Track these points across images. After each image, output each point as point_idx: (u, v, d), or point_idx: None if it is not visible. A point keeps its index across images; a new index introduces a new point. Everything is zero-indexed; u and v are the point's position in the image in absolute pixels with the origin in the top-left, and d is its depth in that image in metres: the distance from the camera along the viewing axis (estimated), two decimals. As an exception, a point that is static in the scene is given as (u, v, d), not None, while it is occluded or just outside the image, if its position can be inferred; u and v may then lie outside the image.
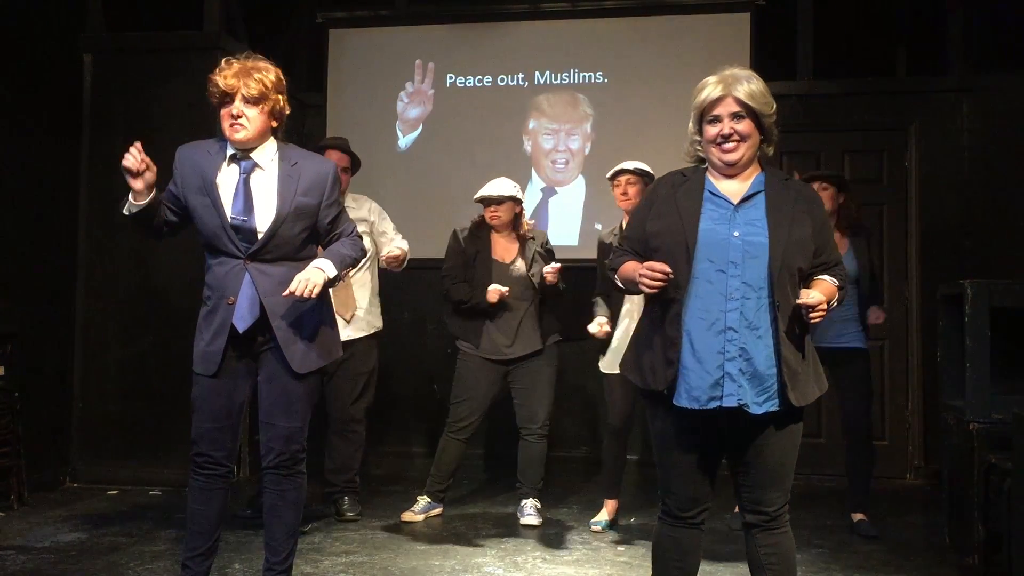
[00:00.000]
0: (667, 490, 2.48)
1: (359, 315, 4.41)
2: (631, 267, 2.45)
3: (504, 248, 4.40)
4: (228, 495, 2.95)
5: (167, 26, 5.43)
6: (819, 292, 2.31)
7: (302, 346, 2.82)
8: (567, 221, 6.00)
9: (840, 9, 5.98)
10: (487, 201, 4.35)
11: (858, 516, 4.29)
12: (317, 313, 2.87)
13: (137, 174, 2.70)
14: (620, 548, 3.98)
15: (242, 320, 2.78)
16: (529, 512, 4.35)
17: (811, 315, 2.26)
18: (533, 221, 4.58)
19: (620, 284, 2.54)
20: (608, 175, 4.29)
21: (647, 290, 2.32)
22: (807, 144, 5.76)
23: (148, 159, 2.72)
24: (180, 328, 5.11)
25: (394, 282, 4.82)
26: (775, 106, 2.42)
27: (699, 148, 2.47)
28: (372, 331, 4.48)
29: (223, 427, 2.86)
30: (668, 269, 2.28)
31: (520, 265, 4.37)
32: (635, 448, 4.40)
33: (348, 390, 4.38)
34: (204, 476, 2.88)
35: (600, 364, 4.28)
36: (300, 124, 6.41)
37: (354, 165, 4.56)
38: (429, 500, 4.45)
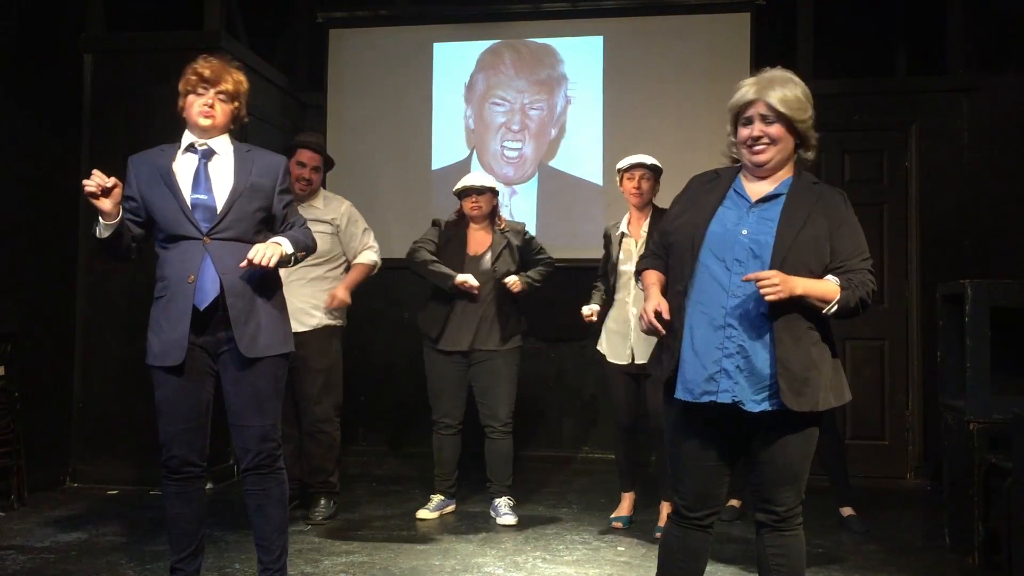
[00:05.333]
0: (677, 489, 2.49)
1: (306, 308, 4.28)
2: (648, 281, 2.52)
3: (477, 242, 4.44)
4: (204, 493, 2.97)
5: (167, 26, 5.44)
6: (792, 277, 2.25)
7: (251, 329, 2.83)
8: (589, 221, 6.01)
9: (840, 9, 5.98)
10: (468, 191, 4.41)
11: (847, 511, 4.34)
12: (271, 301, 2.91)
13: (102, 196, 2.73)
14: (620, 548, 3.98)
15: (204, 297, 2.80)
16: (505, 512, 4.38)
17: (762, 291, 2.21)
18: (507, 217, 4.60)
19: (642, 288, 2.58)
20: (622, 166, 4.26)
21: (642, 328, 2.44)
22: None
23: (112, 178, 2.75)
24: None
25: (394, 282, 4.83)
26: (811, 112, 2.40)
27: (734, 150, 2.49)
28: (322, 326, 4.33)
29: (193, 428, 2.87)
30: (664, 319, 2.36)
31: (487, 259, 4.40)
32: (641, 449, 4.41)
33: (309, 388, 4.31)
34: (179, 480, 2.88)
35: (599, 346, 4.32)
36: (300, 124, 6.42)
37: (326, 164, 4.56)
38: (442, 497, 4.50)
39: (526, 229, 4.60)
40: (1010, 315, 3.67)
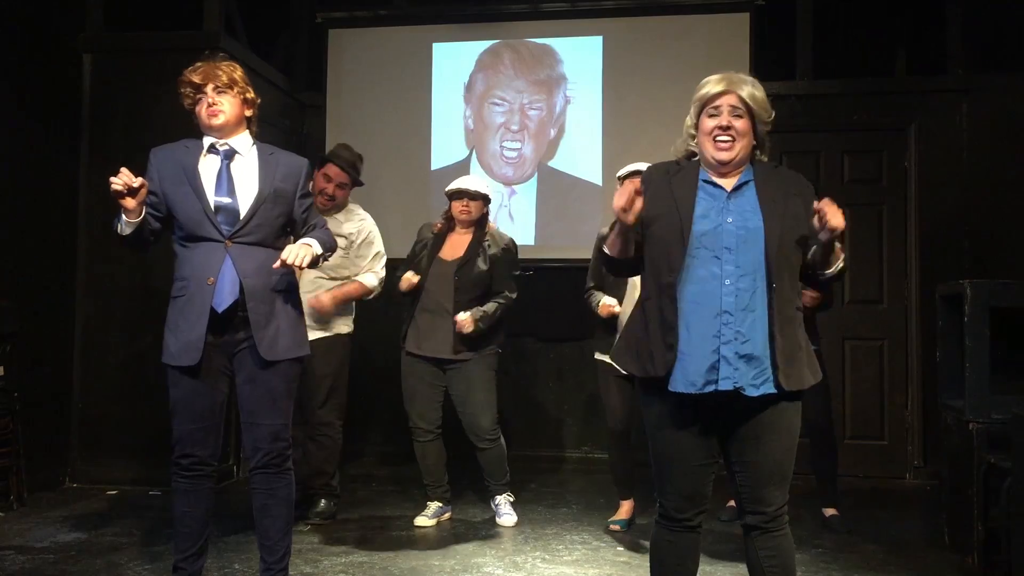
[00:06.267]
0: (663, 491, 2.47)
1: (314, 320, 4.22)
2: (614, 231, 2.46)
3: (454, 246, 4.32)
4: (214, 494, 2.96)
5: (167, 26, 5.44)
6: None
7: (271, 332, 2.85)
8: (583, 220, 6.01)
9: (840, 9, 5.98)
10: (461, 194, 4.30)
11: (830, 511, 4.33)
12: (290, 304, 2.94)
13: (128, 195, 2.72)
14: (620, 548, 3.98)
15: (222, 300, 2.80)
16: (505, 512, 4.33)
17: (834, 219, 2.25)
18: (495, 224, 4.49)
19: (608, 252, 2.51)
20: (622, 174, 4.20)
21: (621, 213, 2.32)
22: (807, 144, 5.77)
23: (140, 178, 2.75)
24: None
25: (394, 283, 4.80)
26: (773, 116, 2.47)
27: (692, 144, 2.51)
28: (331, 333, 4.31)
29: (207, 427, 2.88)
30: (637, 187, 2.31)
31: (455, 264, 4.26)
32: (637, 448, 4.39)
33: (314, 393, 4.29)
34: (190, 477, 2.89)
35: (596, 353, 4.24)
36: (300, 124, 6.42)
37: (353, 182, 4.47)
38: (439, 504, 4.40)
39: (512, 244, 4.41)
40: (1010, 315, 3.66)
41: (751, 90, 2.42)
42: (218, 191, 2.85)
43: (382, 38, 6.29)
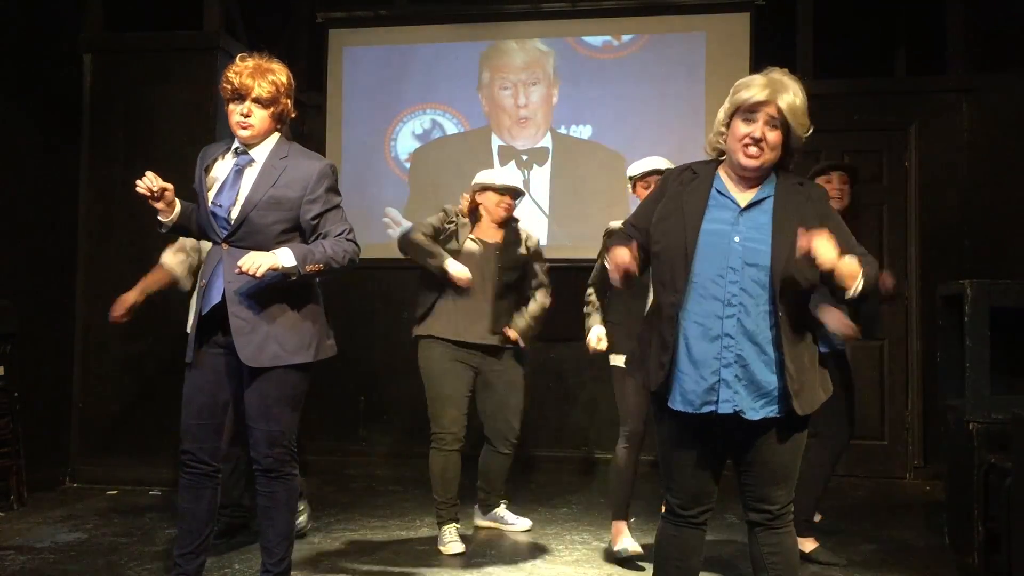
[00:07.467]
0: (669, 488, 2.48)
1: None
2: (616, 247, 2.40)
3: (490, 232, 4.08)
4: (217, 494, 2.95)
5: (167, 26, 5.44)
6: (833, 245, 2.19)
7: (257, 338, 2.76)
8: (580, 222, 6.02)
9: (840, 9, 5.98)
10: (505, 190, 4.03)
11: (817, 516, 4.26)
12: (291, 311, 2.81)
13: (154, 198, 2.81)
14: (620, 548, 3.97)
15: (207, 303, 2.81)
16: (512, 520, 4.24)
17: (819, 259, 2.14)
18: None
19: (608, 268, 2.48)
20: (635, 173, 4.01)
21: (612, 276, 2.35)
22: (807, 144, 5.69)
23: (163, 183, 2.81)
24: (180, 328, 5.11)
25: (393, 282, 4.82)
26: (810, 130, 2.38)
27: (722, 141, 2.42)
28: None
29: (205, 425, 2.88)
30: (628, 264, 2.28)
31: (495, 252, 4.02)
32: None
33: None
34: (190, 474, 2.90)
35: (611, 358, 3.98)
36: (300, 124, 6.41)
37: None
38: (456, 525, 3.95)
39: (537, 242, 4.25)
40: (1010, 315, 3.67)
41: (791, 99, 2.31)
42: (217, 195, 2.84)
43: (382, 38, 6.29)
